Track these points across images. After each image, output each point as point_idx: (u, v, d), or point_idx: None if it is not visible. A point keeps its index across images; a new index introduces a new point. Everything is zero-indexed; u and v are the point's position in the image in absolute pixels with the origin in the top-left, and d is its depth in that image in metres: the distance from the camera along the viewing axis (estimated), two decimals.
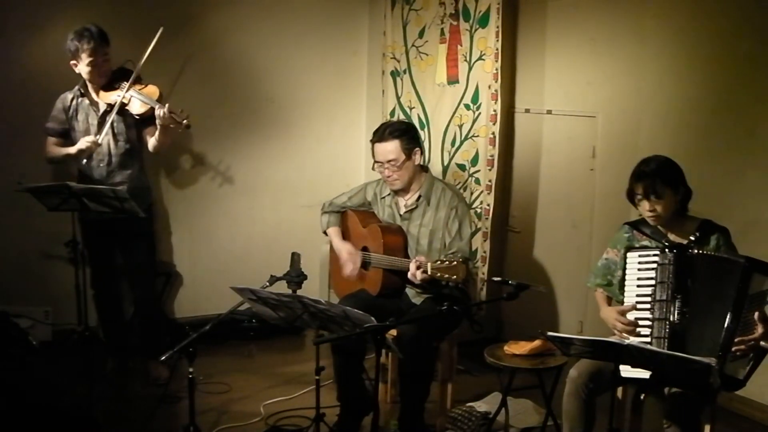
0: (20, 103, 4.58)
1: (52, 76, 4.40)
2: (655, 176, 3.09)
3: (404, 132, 3.78)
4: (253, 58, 5.30)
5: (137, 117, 4.24)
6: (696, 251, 3.04)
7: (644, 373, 2.86)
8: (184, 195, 5.23)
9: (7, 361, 4.12)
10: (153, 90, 4.25)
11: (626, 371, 2.89)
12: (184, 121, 4.17)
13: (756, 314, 2.81)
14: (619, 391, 3.25)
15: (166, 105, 4.13)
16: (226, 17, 5.18)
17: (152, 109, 4.17)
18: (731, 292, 2.86)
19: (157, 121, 4.15)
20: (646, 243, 3.22)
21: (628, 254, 3.17)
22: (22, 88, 4.61)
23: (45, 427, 3.54)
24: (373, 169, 3.87)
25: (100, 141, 4.18)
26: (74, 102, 4.27)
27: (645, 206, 3.13)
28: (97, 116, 4.24)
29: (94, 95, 4.25)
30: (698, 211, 3.27)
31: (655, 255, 3.08)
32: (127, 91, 4.18)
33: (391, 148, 3.74)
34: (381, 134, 3.79)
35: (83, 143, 4.18)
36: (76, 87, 4.28)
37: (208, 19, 5.14)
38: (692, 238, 3.13)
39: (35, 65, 4.62)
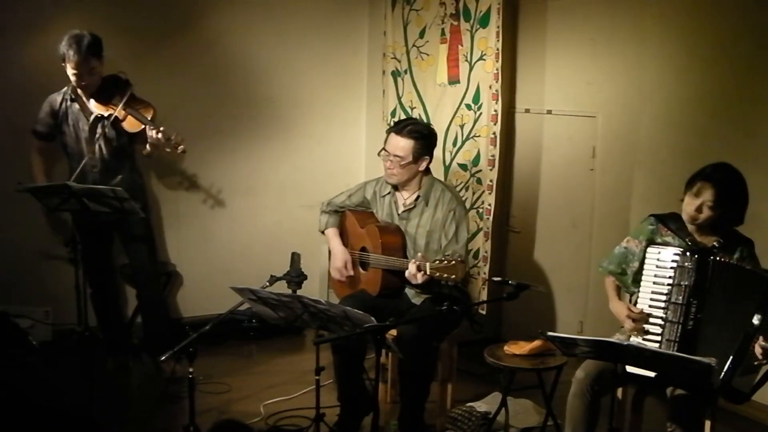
0: (20, 103, 4.57)
1: (52, 77, 4.39)
2: (724, 188, 3.02)
3: (423, 137, 3.76)
4: (253, 58, 5.29)
5: (130, 133, 4.21)
6: (719, 258, 2.98)
7: (648, 371, 2.86)
8: (184, 195, 5.22)
9: (7, 361, 4.12)
10: (148, 109, 4.20)
11: (632, 368, 2.89)
12: (180, 147, 4.12)
13: None
14: (620, 391, 3.25)
15: (161, 129, 4.06)
16: (226, 18, 5.17)
17: (145, 128, 4.13)
18: (752, 307, 2.83)
19: (149, 141, 4.11)
20: (669, 239, 3.16)
21: (649, 249, 3.12)
22: (22, 89, 4.60)
23: (45, 427, 3.53)
24: (378, 154, 3.86)
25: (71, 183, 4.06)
26: (63, 105, 4.25)
27: (692, 204, 3.06)
28: (88, 123, 4.22)
29: (85, 101, 4.22)
30: None
31: (676, 255, 3.03)
32: (121, 106, 4.13)
33: (403, 145, 3.73)
34: (401, 128, 3.78)
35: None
36: (67, 89, 4.25)
37: (208, 19, 5.13)
38: (716, 243, 3.07)
39: (35, 66, 4.61)
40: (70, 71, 4.09)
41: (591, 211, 4.62)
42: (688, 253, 3.01)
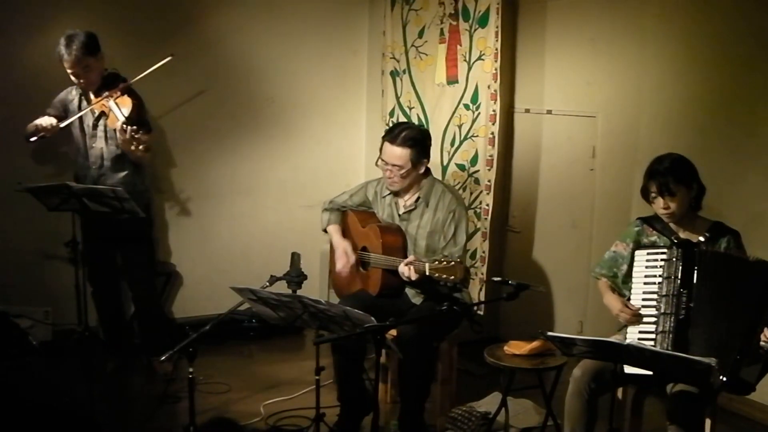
0: (20, 103, 4.57)
1: (52, 77, 4.38)
2: (669, 174, 3.10)
3: (418, 142, 3.71)
4: (253, 58, 5.29)
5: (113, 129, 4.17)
6: (705, 248, 3.05)
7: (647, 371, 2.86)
8: (184, 194, 5.22)
9: (7, 361, 4.12)
10: (126, 101, 4.10)
11: (630, 368, 2.90)
12: (136, 144, 3.96)
13: None
14: (620, 391, 3.25)
15: (125, 126, 3.95)
16: (226, 17, 5.17)
17: None
18: (752, 296, 2.86)
19: (118, 135, 4.08)
20: (655, 238, 3.22)
21: (637, 252, 3.18)
22: (22, 89, 4.60)
23: (45, 427, 3.53)
24: (376, 164, 3.86)
25: (62, 126, 4.13)
26: (76, 99, 4.27)
27: (659, 204, 3.15)
28: (93, 118, 4.23)
29: (91, 97, 4.23)
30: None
31: (663, 254, 3.09)
32: (108, 100, 4.11)
33: (400, 154, 3.69)
34: (395, 136, 3.71)
35: (45, 120, 4.16)
36: None
37: (208, 19, 5.13)
38: (701, 238, 3.14)
39: (35, 66, 4.61)
40: (67, 71, 4.09)
41: (591, 211, 4.62)
42: (674, 247, 3.08)
